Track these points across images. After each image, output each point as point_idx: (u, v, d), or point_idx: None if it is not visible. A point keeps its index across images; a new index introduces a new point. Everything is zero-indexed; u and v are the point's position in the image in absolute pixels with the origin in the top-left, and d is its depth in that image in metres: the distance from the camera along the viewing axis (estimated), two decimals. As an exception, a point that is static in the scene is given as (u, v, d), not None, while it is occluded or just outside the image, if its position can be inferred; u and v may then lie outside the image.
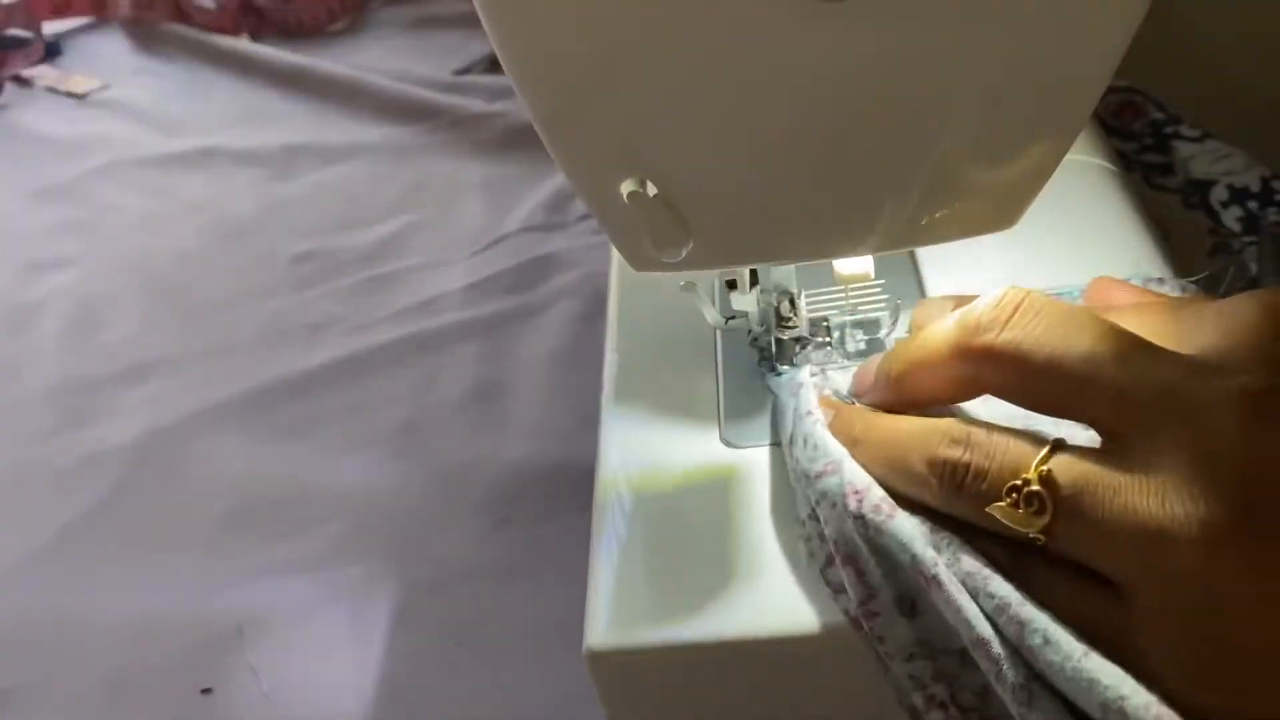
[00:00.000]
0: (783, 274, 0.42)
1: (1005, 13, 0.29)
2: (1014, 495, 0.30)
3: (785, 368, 0.43)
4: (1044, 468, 0.30)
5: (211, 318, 0.91)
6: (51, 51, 1.32)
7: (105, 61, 1.31)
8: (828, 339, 0.43)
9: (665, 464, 0.43)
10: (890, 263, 0.47)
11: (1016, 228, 0.38)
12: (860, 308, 0.44)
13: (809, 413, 0.38)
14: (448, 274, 0.92)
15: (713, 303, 0.46)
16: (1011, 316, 0.32)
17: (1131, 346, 0.30)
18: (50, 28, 1.34)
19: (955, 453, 0.32)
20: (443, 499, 0.71)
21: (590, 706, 0.40)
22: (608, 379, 0.48)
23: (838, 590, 0.36)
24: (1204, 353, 0.30)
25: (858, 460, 0.36)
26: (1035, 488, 0.30)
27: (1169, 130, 0.65)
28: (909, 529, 0.33)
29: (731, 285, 0.42)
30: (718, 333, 0.46)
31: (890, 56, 0.30)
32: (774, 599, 0.37)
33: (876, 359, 0.38)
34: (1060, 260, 0.42)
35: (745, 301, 0.42)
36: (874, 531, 0.34)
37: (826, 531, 0.36)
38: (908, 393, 0.36)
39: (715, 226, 0.36)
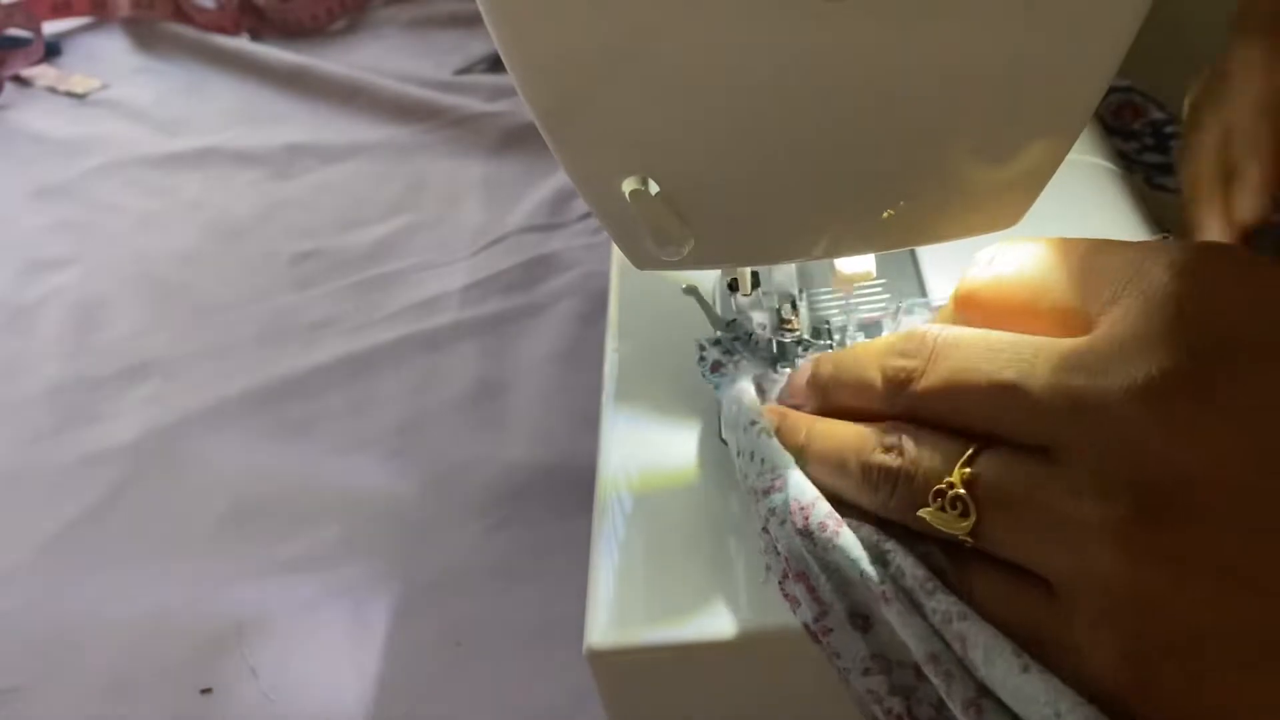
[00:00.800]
0: (784, 276, 0.42)
1: (1006, 12, 0.29)
2: (939, 499, 0.31)
3: (718, 378, 0.43)
4: (966, 470, 0.31)
5: (211, 318, 0.91)
6: (51, 51, 1.32)
7: (105, 61, 1.31)
8: (829, 341, 0.43)
9: (665, 464, 0.43)
10: (891, 263, 0.47)
11: (1017, 228, 0.38)
12: (861, 308, 0.44)
13: (752, 423, 0.38)
14: (448, 274, 0.92)
15: (714, 304, 0.46)
16: (926, 365, 0.33)
17: (1033, 349, 0.30)
18: (50, 28, 1.34)
19: (886, 459, 0.33)
20: (443, 499, 0.71)
21: (590, 706, 0.40)
22: (608, 379, 0.48)
23: (794, 604, 0.36)
24: (1114, 329, 0.29)
25: (806, 467, 0.36)
26: (958, 490, 0.31)
27: (1169, 130, 0.65)
28: (855, 545, 0.34)
29: (733, 286, 0.42)
30: (718, 333, 0.46)
31: (891, 56, 0.30)
32: (774, 598, 0.37)
33: (807, 366, 0.39)
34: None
35: (746, 303, 0.42)
36: (822, 548, 0.34)
37: (778, 547, 0.36)
38: (835, 406, 0.37)
39: (716, 225, 0.36)
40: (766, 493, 0.36)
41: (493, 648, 0.62)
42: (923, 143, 0.33)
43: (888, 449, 0.33)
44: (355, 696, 0.60)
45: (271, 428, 0.79)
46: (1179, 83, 0.61)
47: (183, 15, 1.33)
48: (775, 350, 0.43)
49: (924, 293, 0.46)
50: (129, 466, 0.77)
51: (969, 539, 0.31)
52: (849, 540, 0.34)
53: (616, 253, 0.53)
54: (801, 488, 0.36)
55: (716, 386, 0.42)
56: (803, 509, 0.35)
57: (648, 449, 0.44)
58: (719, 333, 0.44)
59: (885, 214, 0.35)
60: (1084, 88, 0.32)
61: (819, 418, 0.37)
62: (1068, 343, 0.30)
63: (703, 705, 0.40)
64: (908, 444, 0.33)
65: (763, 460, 0.37)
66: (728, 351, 0.43)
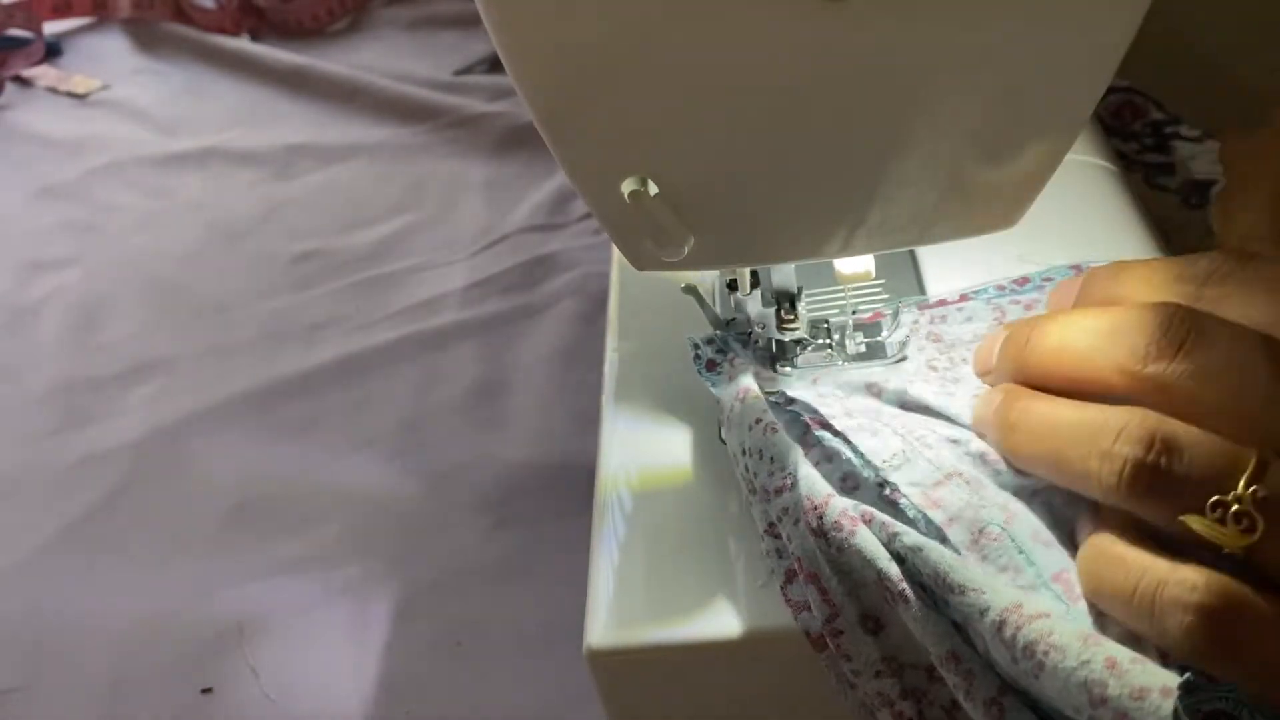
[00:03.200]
0: (783, 276, 0.42)
1: (1005, 13, 0.29)
2: (1219, 510, 0.28)
3: (714, 377, 0.42)
4: (1257, 487, 0.28)
5: (211, 318, 0.91)
6: (52, 51, 1.32)
7: (105, 61, 1.31)
8: (828, 340, 0.43)
9: (665, 464, 0.43)
10: (890, 262, 0.47)
11: (1017, 227, 0.38)
12: (861, 308, 0.44)
13: (758, 420, 0.38)
14: (448, 274, 0.92)
15: (713, 303, 0.46)
16: (1183, 344, 0.30)
17: None
18: (50, 28, 1.34)
19: (1139, 453, 0.29)
20: (443, 499, 0.71)
21: (590, 706, 0.40)
22: (608, 379, 0.48)
23: (799, 609, 0.35)
24: None
25: (1011, 449, 0.33)
26: (1245, 508, 0.28)
27: (1169, 130, 0.65)
28: (872, 544, 0.33)
29: (732, 286, 0.42)
30: (712, 331, 0.46)
31: (890, 56, 0.30)
32: (774, 598, 0.37)
33: (1000, 335, 0.36)
34: (1058, 260, 0.42)
35: (746, 302, 0.42)
36: (836, 549, 0.33)
37: (790, 548, 0.35)
38: (1040, 383, 0.33)
39: (716, 225, 0.36)
40: (778, 492, 0.35)
41: (493, 648, 0.62)
42: (922, 143, 0.33)
43: (1146, 445, 0.29)
44: (355, 696, 0.60)
45: (272, 428, 0.79)
46: (1179, 83, 0.61)
47: (183, 16, 1.33)
48: (774, 349, 0.43)
49: (923, 292, 0.46)
50: (130, 466, 0.77)
51: (1240, 552, 0.28)
52: (865, 539, 0.33)
53: (616, 253, 0.53)
54: (813, 484, 0.34)
55: (713, 385, 0.42)
56: (815, 507, 0.34)
57: (647, 449, 0.44)
58: (714, 330, 0.44)
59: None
60: (1083, 88, 0.32)
61: (1032, 393, 0.33)
62: None
63: (702, 705, 0.40)
64: (1176, 439, 0.29)
65: (772, 459, 0.36)
66: (721, 350, 0.43)
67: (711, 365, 0.42)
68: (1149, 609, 0.29)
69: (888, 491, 0.35)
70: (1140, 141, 0.62)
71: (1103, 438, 0.30)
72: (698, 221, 0.35)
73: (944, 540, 0.33)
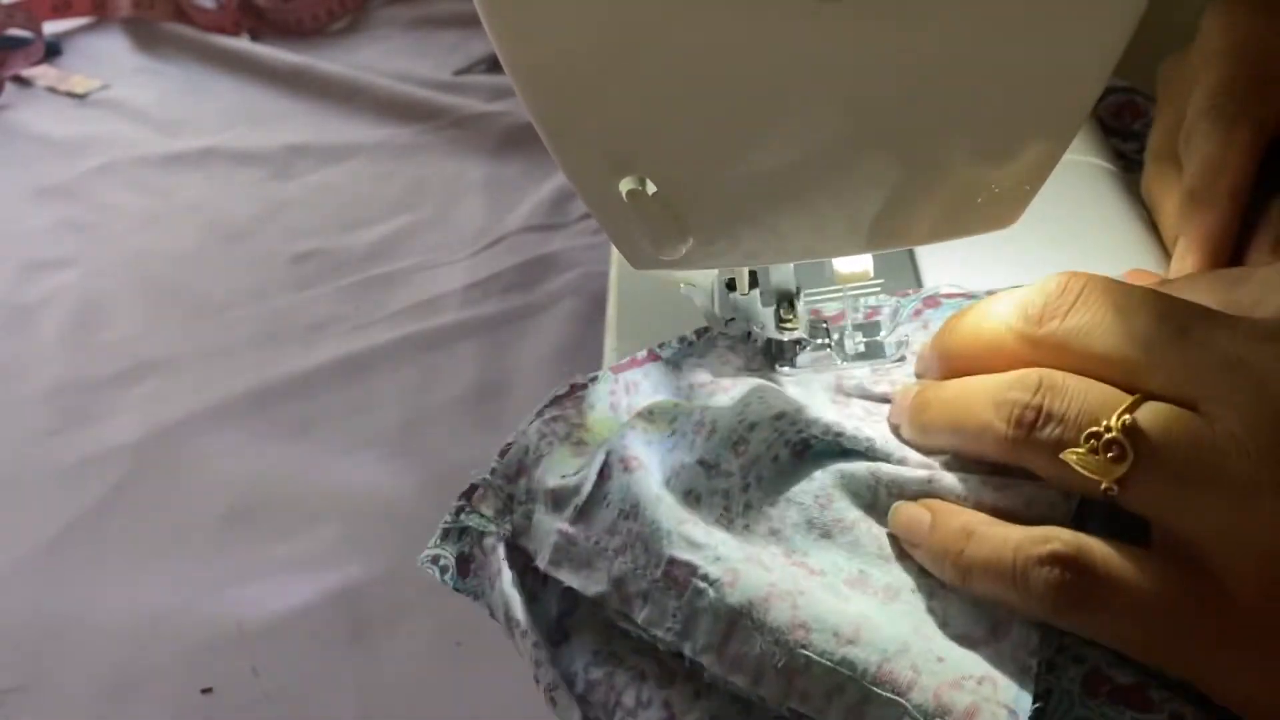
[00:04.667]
0: (782, 274, 0.41)
1: (1002, 12, 0.29)
2: (1092, 441, 0.30)
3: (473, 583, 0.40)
4: (1127, 416, 0.29)
5: (211, 318, 0.91)
6: (51, 51, 1.32)
7: (105, 61, 1.31)
8: (827, 340, 0.43)
9: (664, 464, 0.43)
10: (889, 262, 0.47)
11: (1017, 228, 0.38)
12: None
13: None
14: (448, 274, 0.92)
15: (712, 302, 0.46)
16: (1074, 304, 0.32)
17: (1191, 319, 0.30)
18: (50, 28, 1.34)
19: (1027, 396, 0.31)
20: (442, 499, 0.71)
21: (590, 706, 0.40)
22: (607, 379, 0.48)
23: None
24: (1263, 318, 0.30)
25: (922, 425, 0.34)
26: (1115, 435, 0.29)
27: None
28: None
29: (731, 285, 0.42)
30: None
31: (887, 56, 0.30)
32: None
33: (929, 344, 0.37)
34: (1060, 261, 0.42)
35: (744, 302, 0.42)
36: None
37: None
38: (960, 372, 0.35)
39: (714, 225, 0.36)
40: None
41: (493, 648, 0.62)
42: (919, 143, 0.33)
43: (1032, 389, 0.31)
44: (355, 696, 0.60)
45: (271, 428, 0.79)
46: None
47: (183, 15, 1.33)
48: (773, 349, 0.43)
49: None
50: (129, 466, 0.77)
51: (1114, 487, 0.29)
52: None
53: (616, 253, 0.53)
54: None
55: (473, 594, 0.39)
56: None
57: (647, 449, 0.44)
58: (710, 328, 0.43)
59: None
60: (1080, 88, 0.32)
61: (947, 381, 0.35)
62: (1226, 313, 0.30)
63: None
64: (1054, 380, 0.31)
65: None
66: (501, 511, 0.39)
67: (463, 567, 0.40)
68: (1011, 575, 0.30)
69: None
70: (1140, 142, 0.62)
71: (998, 390, 0.32)
72: (695, 221, 0.35)
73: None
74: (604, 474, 0.34)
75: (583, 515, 0.34)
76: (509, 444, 0.40)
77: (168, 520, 0.73)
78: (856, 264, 0.40)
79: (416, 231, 0.98)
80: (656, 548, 0.32)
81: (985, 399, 0.32)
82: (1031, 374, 0.32)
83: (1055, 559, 0.29)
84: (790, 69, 0.30)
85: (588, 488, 0.34)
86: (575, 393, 0.41)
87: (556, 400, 0.41)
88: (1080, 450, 0.30)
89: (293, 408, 0.80)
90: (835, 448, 0.34)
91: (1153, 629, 0.28)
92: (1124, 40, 0.30)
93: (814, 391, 0.39)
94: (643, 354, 0.42)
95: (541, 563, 0.35)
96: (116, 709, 0.62)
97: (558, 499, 0.36)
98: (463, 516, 0.40)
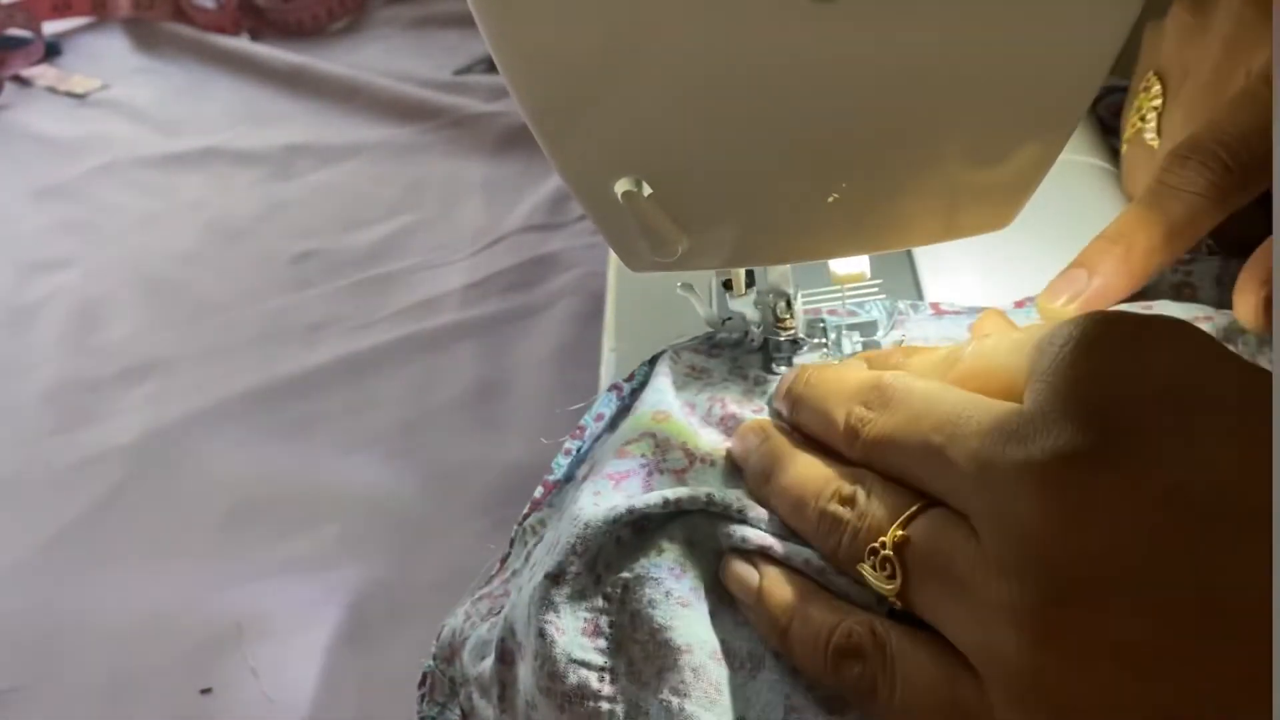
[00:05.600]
0: (779, 275, 0.42)
1: (998, 13, 0.29)
2: (873, 558, 0.30)
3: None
4: (900, 533, 0.30)
5: (211, 318, 0.91)
6: (51, 51, 1.32)
7: (105, 61, 1.31)
8: (823, 340, 0.43)
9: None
10: (886, 263, 0.47)
11: (1013, 228, 0.38)
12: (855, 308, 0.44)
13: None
14: (448, 274, 0.92)
15: (709, 303, 0.46)
16: (881, 412, 0.32)
17: (959, 422, 0.29)
18: (50, 28, 1.34)
19: (839, 509, 0.32)
20: (443, 499, 0.71)
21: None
22: (605, 379, 0.48)
23: None
24: (1026, 404, 0.29)
25: (768, 498, 0.35)
26: (887, 552, 0.30)
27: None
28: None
29: (728, 286, 0.42)
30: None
31: (883, 56, 0.30)
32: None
33: (791, 373, 0.38)
34: (1056, 261, 0.42)
35: (741, 302, 0.42)
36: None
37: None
38: (802, 425, 0.37)
39: (710, 226, 0.36)
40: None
41: (492, 647, 0.62)
42: (915, 144, 0.33)
43: (844, 499, 0.32)
44: (355, 696, 0.61)
45: (271, 428, 0.79)
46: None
47: (183, 15, 1.33)
48: (770, 349, 0.43)
49: (919, 293, 0.46)
50: (129, 467, 0.77)
51: (897, 601, 0.30)
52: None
53: (614, 254, 0.53)
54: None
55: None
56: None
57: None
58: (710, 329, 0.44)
59: (830, 198, 0.34)
60: (1074, 89, 0.32)
61: (793, 453, 0.36)
62: (1003, 408, 0.29)
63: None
64: (861, 496, 0.32)
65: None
66: (451, 695, 0.41)
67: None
68: (824, 664, 0.31)
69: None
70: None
71: (824, 495, 0.33)
72: (691, 222, 0.35)
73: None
74: (504, 659, 0.36)
75: (504, 700, 0.36)
76: (442, 624, 0.42)
77: (168, 520, 0.73)
78: (853, 265, 0.40)
79: (416, 231, 0.98)
80: None
81: (814, 504, 0.33)
82: (849, 484, 0.33)
83: (854, 651, 0.30)
84: (784, 70, 0.30)
85: (496, 678, 0.36)
86: (503, 570, 0.43)
87: (488, 579, 0.43)
88: (866, 565, 0.31)
89: (293, 408, 0.80)
90: (674, 511, 0.35)
91: None
92: (1119, 42, 0.30)
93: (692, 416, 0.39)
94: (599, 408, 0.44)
95: None
96: (116, 709, 0.62)
97: (482, 686, 0.38)
98: (425, 705, 0.42)
